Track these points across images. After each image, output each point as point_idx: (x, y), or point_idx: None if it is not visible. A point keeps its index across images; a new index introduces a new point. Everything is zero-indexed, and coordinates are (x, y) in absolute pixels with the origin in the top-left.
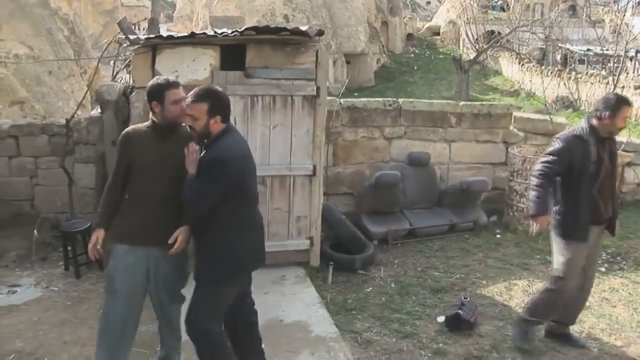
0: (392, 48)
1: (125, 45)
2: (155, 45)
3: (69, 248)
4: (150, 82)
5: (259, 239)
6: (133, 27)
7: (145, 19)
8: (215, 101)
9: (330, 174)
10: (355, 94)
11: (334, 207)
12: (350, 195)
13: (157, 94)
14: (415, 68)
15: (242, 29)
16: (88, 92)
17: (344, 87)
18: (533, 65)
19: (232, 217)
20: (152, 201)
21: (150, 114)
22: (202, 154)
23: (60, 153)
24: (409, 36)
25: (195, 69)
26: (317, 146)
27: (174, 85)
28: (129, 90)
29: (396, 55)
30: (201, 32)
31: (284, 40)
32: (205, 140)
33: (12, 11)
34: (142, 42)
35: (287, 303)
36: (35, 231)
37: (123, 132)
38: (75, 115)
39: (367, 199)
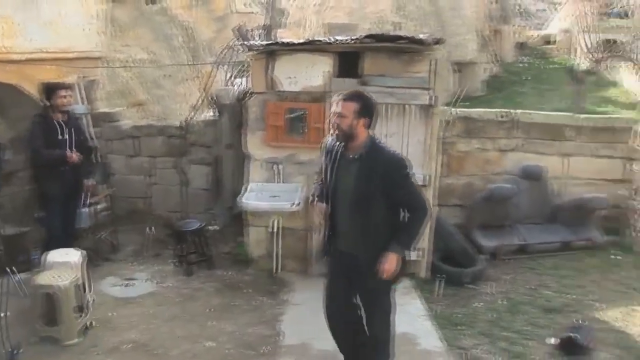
0: (503, 57)
1: (241, 51)
2: (272, 52)
3: (182, 246)
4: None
5: None
6: (249, 33)
7: (258, 25)
8: (365, 103)
9: (441, 184)
10: (467, 103)
11: (445, 219)
12: (461, 207)
13: None
14: (527, 78)
15: (359, 36)
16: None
17: (459, 97)
18: None
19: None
20: None
21: None
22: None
23: (176, 154)
24: (520, 45)
25: (311, 75)
26: (430, 156)
27: None
28: (244, 95)
29: (506, 65)
30: (318, 39)
31: (400, 48)
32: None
33: (135, 18)
34: (260, 48)
35: None
36: (149, 228)
37: None
38: (191, 118)
39: (479, 211)
